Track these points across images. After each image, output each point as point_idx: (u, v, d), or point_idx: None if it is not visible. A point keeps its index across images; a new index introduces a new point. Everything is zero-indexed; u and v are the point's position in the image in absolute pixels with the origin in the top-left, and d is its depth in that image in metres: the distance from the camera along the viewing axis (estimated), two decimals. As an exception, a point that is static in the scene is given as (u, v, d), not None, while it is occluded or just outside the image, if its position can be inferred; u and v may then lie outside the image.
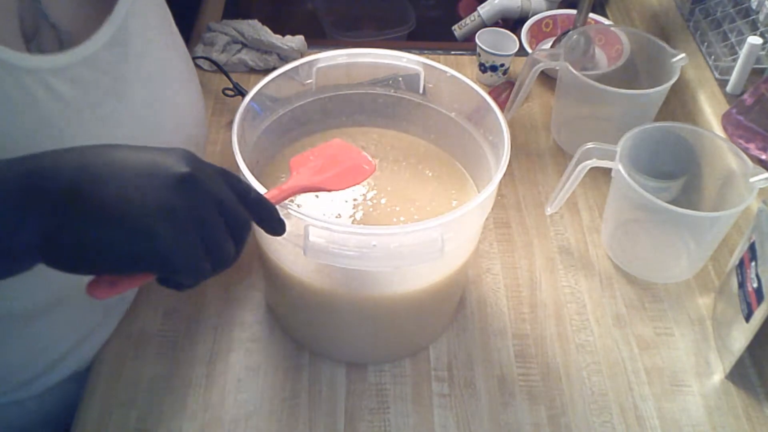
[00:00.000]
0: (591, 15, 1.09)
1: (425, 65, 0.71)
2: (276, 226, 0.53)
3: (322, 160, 0.61)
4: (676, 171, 0.84)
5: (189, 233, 0.44)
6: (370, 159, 0.63)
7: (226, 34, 1.04)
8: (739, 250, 0.74)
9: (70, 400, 0.73)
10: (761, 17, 0.90)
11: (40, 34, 0.54)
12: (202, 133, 0.71)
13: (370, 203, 0.69)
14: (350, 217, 0.68)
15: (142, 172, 0.44)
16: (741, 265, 0.72)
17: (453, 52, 1.12)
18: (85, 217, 0.43)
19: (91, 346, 0.72)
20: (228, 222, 0.47)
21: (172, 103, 0.64)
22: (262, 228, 0.53)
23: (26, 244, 0.43)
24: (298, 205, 0.68)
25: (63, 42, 0.56)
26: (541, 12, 1.14)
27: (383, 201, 0.70)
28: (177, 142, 0.64)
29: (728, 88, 0.91)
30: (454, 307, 0.76)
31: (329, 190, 0.60)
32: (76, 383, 0.73)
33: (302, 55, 1.04)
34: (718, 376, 0.73)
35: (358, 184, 0.62)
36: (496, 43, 1.02)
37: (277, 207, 0.54)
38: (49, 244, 0.43)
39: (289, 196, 0.57)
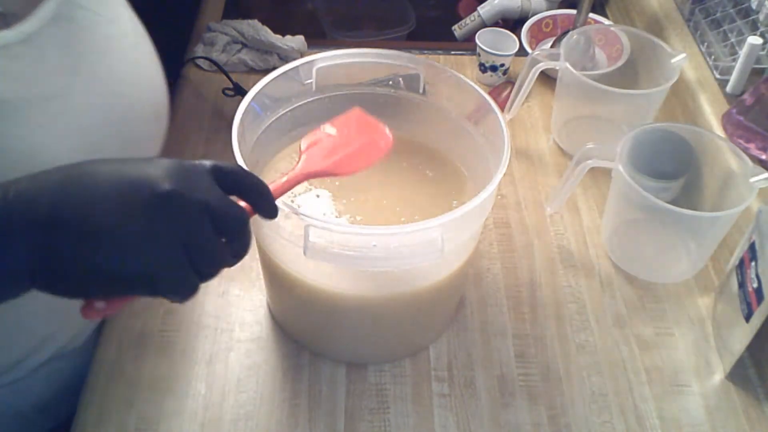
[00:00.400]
0: (591, 15, 1.09)
1: (425, 65, 0.71)
2: (271, 211, 0.52)
3: (334, 140, 0.58)
4: (676, 171, 0.84)
5: (173, 252, 0.44)
6: (388, 133, 0.60)
7: (226, 34, 1.04)
8: (739, 250, 0.74)
9: (61, 381, 0.73)
10: (761, 17, 0.90)
11: None
12: (163, 102, 0.70)
13: (370, 203, 0.69)
14: (350, 217, 0.68)
15: (123, 193, 0.44)
16: (741, 265, 0.72)
17: (453, 52, 1.12)
18: (69, 244, 0.43)
19: (77, 325, 0.72)
20: (219, 226, 0.46)
21: (128, 74, 0.64)
22: (258, 213, 0.52)
23: (14, 272, 0.43)
24: (298, 206, 0.68)
25: (10, 25, 0.55)
26: (541, 12, 1.14)
27: (383, 201, 0.70)
28: (137, 112, 0.64)
29: (728, 88, 0.91)
30: (454, 307, 0.76)
31: (340, 175, 0.57)
32: (67, 362, 0.73)
33: (302, 55, 1.04)
34: (718, 376, 0.73)
35: (370, 165, 0.58)
36: (496, 43, 1.02)
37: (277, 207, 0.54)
38: (38, 271, 0.43)
39: (299, 182, 0.55)
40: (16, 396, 0.72)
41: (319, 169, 0.57)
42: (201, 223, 0.45)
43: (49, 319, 0.68)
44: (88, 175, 0.45)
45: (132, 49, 0.65)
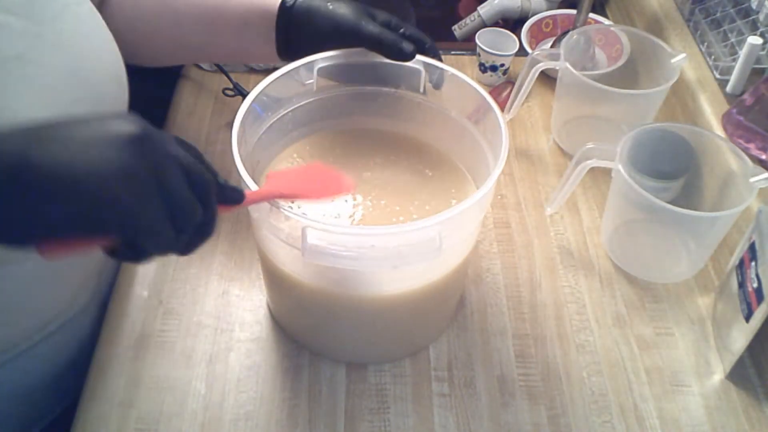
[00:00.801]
0: (591, 15, 1.09)
1: (426, 64, 0.71)
2: (230, 195, 0.53)
3: (298, 175, 0.61)
4: (676, 171, 0.84)
5: (150, 195, 0.44)
6: (349, 182, 0.62)
7: (226, 34, 1.04)
8: (739, 250, 0.74)
9: (65, 356, 0.73)
10: (761, 17, 0.90)
11: None
12: (121, 67, 0.70)
13: (369, 203, 0.69)
14: (349, 217, 0.68)
15: (93, 138, 0.44)
16: (741, 265, 0.72)
17: (453, 52, 1.12)
18: (37, 191, 0.42)
19: (69, 291, 0.72)
20: (189, 179, 0.46)
21: (87, 39, 0.64)
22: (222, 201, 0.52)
23: None
24: (298, 206, 0.68)
25: None
26: (541, 12, 1.14)
27: (383, 201, 0.70)
28: (99, 75, 0.65)
29: (728, 88, 0.91)
30: (454, 306, 0.76)
31: (303, 199, 0.58)
32: (69, 335, 0.73)
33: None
34: (718, 376, 0.73)
35: (332, 197, 0.60)
36: (496, 43, 1.02)
37: (278, 210, 0.54)
38: None
39: (263, 199, 0.57)
40: (22, 373, 0.72)
41: (283, 191, 0.58)
42: (176, 171, 0.45)
43: (37, 288, 0.68)
44: (58, 125, 0.44)
45: (88, 16, 0.65)
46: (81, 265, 0.72)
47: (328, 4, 0.71)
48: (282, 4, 0.72)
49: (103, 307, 0.77)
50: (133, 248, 0.46)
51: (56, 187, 0.42)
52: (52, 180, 0.42)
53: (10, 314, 0.67)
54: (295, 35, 0.72)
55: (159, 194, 0.44)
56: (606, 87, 0.86)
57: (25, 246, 0.44)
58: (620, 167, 0.74)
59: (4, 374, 0.70)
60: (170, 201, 0.45)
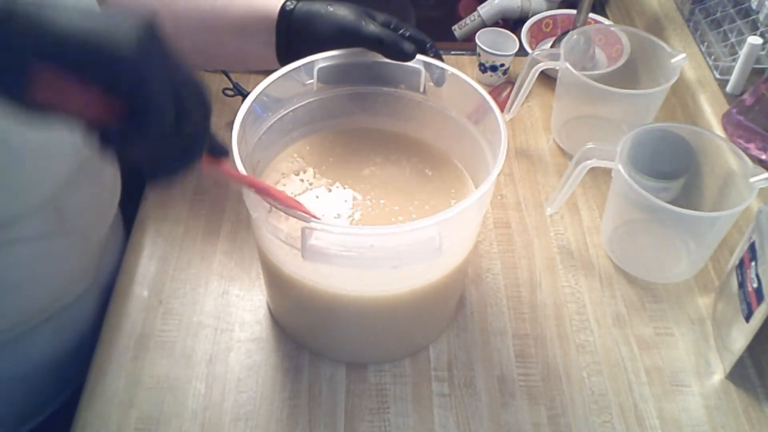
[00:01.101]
0: (591, 15, 1.09)
1: (426, 63, 0.71)
2: (221, 149, 0.55)
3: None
4: (676, 171, 0.84)
5: (161, 67, 0.43)
6: (313, 214, 0.61)
7: (226, 34, 1.04)
8: (739, 250, 0.74)
9: (66, 343, 0.74)
10: (761, 17, 0.90)
11: None
12: None
13: (369, 203, 0.70)
14: (349, 217, 0.68)
15: (106, 17, 0.43)
16: (741, 265, 0.72)
17: (453, 52, 1.12)
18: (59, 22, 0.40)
19: (77, 277, 0.72)
20: (189, 87, 0.46)
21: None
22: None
23: None
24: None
25: None
26: (541, 12, 1.15)
27: (382, 201, 0.70)
28: None
29: (728, 88, 0.91)
30: (454, 306, 0.76)
31: (275, 200, 0.58)
32: (70, 321, 0.74)
33: (302, 56, 1.03)
34: (718, 376, 0.73)
35: (300, 211, 0.60)
36: (496, 43, 1.02)
37: (277, 210, 0.54)
38: None
39: (242, 181, 0.57)
40: (20, 358, 0.72)
41: (262, 185, 0.58)
42: (183, 68, 0.45)
43: (36, 269, 0.68)
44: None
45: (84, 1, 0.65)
46: (80, 247, 0.72)
47: (328, 6, 0.71)
48: (282, 8, 0.72)
49: (103, 298, 0.77)
50: (129, 125, 0.44)
51: (79, 33, 0.41)
52: (73, 26, 0.41)
53: (9, 294, 0.67)
54: (296, 39, 0.72)
55: (168, 74, 0.44)
56: (606, 87, 0.86)
57: (20, 76, 0.41)
58: (620, 167, 0.74)
59: (3, 356, 0.70)
60: (177, 89, 0.44)
